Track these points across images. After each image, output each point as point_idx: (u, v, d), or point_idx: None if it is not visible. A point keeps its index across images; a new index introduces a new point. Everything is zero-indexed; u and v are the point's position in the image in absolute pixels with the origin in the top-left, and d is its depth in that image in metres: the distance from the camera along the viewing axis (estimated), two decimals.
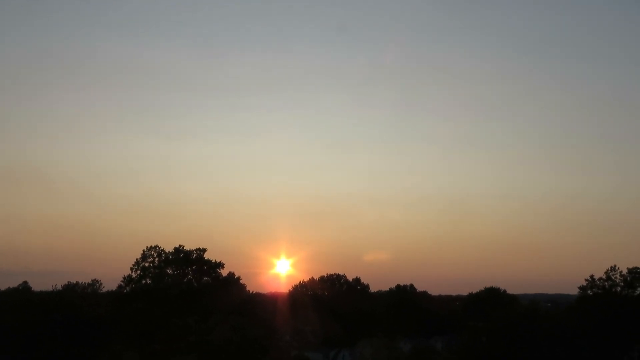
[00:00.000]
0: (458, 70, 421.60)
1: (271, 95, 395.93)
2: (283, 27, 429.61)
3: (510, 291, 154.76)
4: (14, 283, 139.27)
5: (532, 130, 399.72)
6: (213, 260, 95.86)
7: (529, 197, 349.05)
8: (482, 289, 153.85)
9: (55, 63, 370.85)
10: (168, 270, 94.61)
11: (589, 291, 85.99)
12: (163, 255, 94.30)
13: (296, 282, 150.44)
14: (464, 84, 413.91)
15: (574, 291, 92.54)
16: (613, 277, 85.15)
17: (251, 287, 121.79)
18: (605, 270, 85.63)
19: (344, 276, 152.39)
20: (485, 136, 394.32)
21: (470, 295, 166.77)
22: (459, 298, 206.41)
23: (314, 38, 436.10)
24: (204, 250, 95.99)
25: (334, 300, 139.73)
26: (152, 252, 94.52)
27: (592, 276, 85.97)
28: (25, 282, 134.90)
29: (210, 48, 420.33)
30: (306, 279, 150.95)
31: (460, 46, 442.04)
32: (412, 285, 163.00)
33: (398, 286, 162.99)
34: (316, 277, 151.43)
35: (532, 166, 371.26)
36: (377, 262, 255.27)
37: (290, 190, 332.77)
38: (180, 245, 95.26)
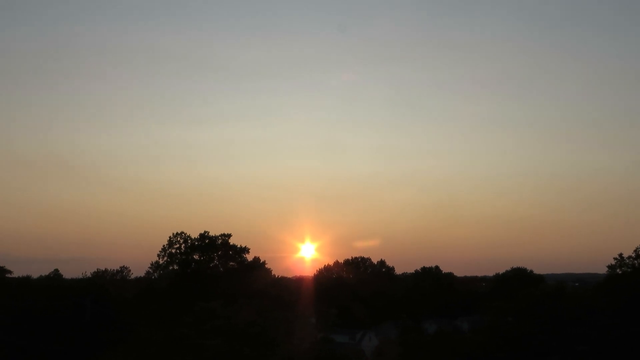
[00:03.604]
0: (478, 47, 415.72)
1: (289, 77, 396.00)
2: (296, 9, 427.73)
3: (537, 271, 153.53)
4: (46, 271, 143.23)
5: (555, 107, 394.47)
6: (238, 246, 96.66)
7: (555, 175, 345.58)
8: (509, 269, 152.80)
9: (75, 51, 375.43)
10: (194, 256, 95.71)
11: (617, 270, 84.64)
12: (189, 241, 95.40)
13: (321, 266, 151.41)
14: (486, 62, 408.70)
15: (603, 270, 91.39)
16: None
17: (276, 271, 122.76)
18: (634, 248, 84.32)
19: (368, 259, 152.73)
20: (507, 115, 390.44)
21: (497, 275, 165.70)
22: (484, 279, 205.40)
23: (327, 18, 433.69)
24: (229, 235, 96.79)
25: (358, 283, 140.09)
26: (178, 239, 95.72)
27: (621, 254, 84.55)
28: (57, 270, 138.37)
29: (228, 33, 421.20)
30: (331, 262, 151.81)
31: (480, 23, 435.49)
32: (437, 267, 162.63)
33: (423, 268, 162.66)
34: (341, 260, 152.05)
35: (557, 143, 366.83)
36: (401, 244, 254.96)
37: (313, 173, 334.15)
38: (205, 231, 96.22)
